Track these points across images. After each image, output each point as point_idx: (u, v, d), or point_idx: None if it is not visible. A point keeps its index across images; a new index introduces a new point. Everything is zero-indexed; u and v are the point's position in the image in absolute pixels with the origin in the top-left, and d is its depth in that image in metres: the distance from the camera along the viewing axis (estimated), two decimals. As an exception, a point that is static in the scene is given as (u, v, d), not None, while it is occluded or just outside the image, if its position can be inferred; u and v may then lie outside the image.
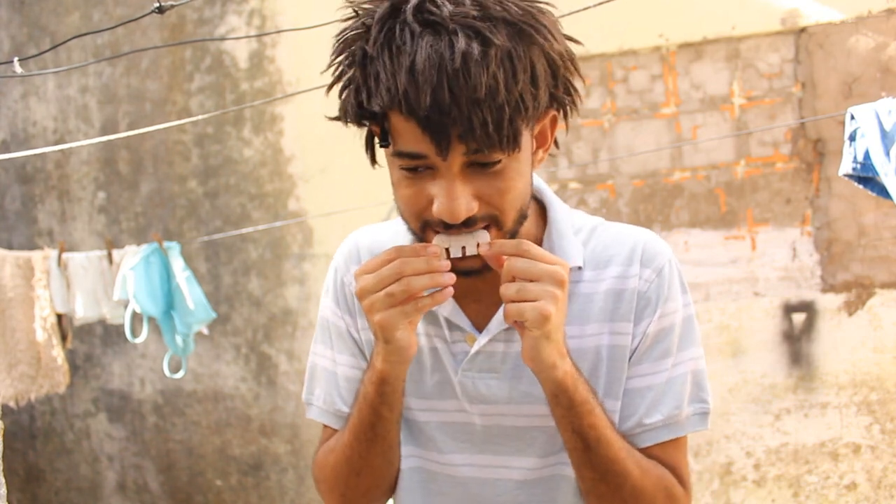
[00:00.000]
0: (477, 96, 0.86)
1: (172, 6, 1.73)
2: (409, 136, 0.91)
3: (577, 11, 2.07)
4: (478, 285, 1.05)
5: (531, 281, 0.94)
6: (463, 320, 1.09)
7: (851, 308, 3.09)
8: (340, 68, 0.96)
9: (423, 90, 0.86)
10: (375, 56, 0.90)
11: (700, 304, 3.22)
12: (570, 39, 0.99)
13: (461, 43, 0.86)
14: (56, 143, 3.89)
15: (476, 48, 0.87)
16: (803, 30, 3.08)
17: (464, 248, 0.97)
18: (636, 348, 1.07)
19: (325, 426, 1.19)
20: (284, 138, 3.69)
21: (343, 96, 0.97)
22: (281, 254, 3.73)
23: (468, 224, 0.95)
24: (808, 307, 3.13)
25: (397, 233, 1.14)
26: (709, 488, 3.24)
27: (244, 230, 3.52)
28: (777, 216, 3.15)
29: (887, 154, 2.07)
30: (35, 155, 3.85)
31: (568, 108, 1.01)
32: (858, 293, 3.08)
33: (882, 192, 2.19)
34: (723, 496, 3.24)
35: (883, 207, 3.00)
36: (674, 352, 1.08)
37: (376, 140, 0.99)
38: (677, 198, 3.23)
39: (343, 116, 0.98)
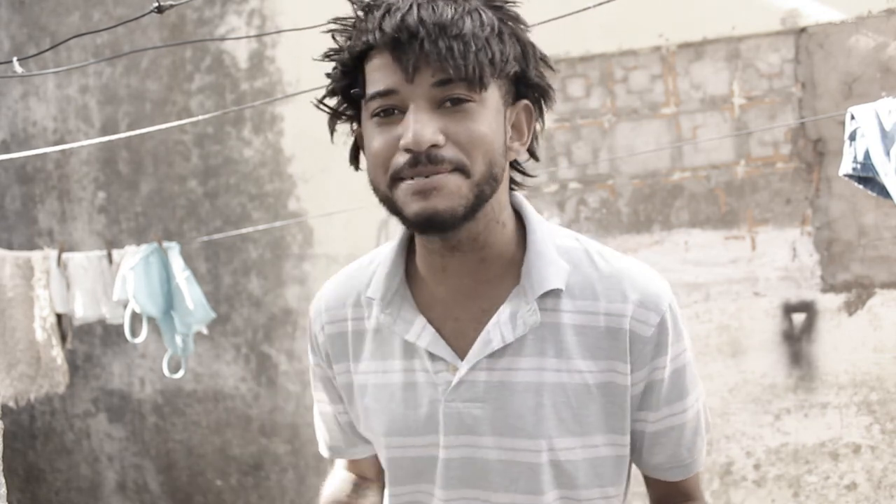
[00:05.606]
0: (443, 22, 0.92)
1: (172, 6, 1.73)
2: (381, 72, 0.95)
3: (578, 11, 2.07)
4: (456, 301, 1.05)
5: None
6: (444, 350, 1.04)
7: (851, 308, 3.09)
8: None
9: (393, 15, 0.93)
10: (362, 14, 0.98)
11: (700, 304, 3.22)
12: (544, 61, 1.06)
13: None
14: (56, 143, 3.88)
15: None
16: (803, 30, 3.07)
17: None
18: (644, 391, 1.05)
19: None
20: (284, 138, 3.69)
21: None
22: (281, 254, 3.73)
23: (433, 161, 0.94)
24: (808, 307, 3.13)
25: (354, 283, 1.16)
26: (709, 488, 3.24)
27: (244, 230, 3.52)
28: (777, 216, 3.15)
29: (887, 154, 2.07)
30: (35, 155, 3.85)
31: (542, 102, 1.05)
32: (858, 293, 3.08)
33: (882, 192, 2.18)
34: (723, 496, 3.24)
35: (883, 207, 3.00)
36: (689, 391, 1.08)
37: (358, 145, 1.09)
38: (677, 198, 3.23)
39: (329, 94, 1.04)
